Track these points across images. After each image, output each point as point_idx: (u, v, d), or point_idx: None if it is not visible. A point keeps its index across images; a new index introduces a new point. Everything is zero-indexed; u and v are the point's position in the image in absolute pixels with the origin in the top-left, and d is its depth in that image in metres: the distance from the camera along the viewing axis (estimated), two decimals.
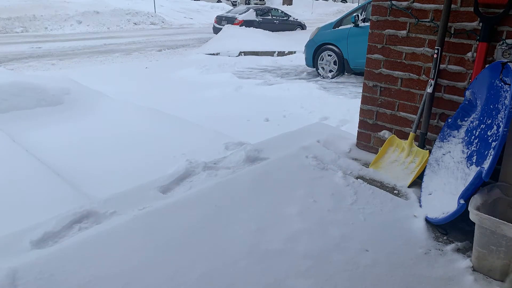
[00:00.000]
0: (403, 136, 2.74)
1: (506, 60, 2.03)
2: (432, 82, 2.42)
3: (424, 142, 2.57)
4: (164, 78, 8.04)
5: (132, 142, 3.69)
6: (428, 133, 2.57)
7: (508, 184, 1.92)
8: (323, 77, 8.44)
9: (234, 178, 2.49)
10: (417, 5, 2.48)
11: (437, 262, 1.80)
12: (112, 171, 3.11)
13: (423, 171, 2.42)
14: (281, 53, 11.49)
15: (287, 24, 16.96)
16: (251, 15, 15.70)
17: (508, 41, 2.15)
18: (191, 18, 22.97)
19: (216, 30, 14.86)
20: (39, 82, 4.91)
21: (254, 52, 11.33)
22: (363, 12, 7.63)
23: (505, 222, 1.59)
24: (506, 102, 1.80)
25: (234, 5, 28.34)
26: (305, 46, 8.76)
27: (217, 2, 30.21)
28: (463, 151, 2.17)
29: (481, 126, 2.05)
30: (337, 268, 1.73)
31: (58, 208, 2.36)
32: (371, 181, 2.51)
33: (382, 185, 2.47)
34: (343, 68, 8.27)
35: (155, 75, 8.38)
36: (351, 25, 7.76)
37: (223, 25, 14.72)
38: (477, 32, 2.27)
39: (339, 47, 8.11)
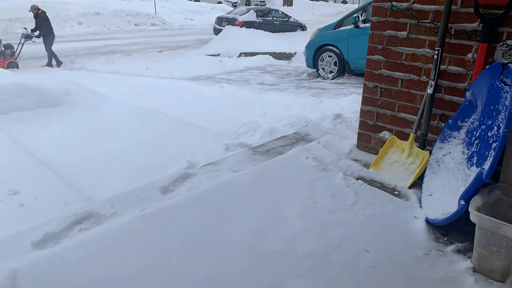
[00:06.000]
0: (404, 137, 2.74)
1: (506, 61, 2.03)
2: (433, 83, 2.42)
3: (425, 143, 2.57)
4: (164, 78, 8.05)
5: (133, 143, 3.69)
6: (429, 134, 2.57)
7: (508, 185, 1.92)
8: (324, 78, 8.45)
9: (234, 178, 2.49)
10: (417, 6, 2.49)
11: (438, 263, 1.80)
12: (112, 171, 3.11)
13: (424, 172, 2.42)
14: (281, 54, 11.48)
15: (288, 25, 16.95)
16: (251, 16, 15.69)
17: (509, 42, 2.15)
18: (192, 19, 22.96)
19: (217, 31, 14.85)
20: (40, 83, 4.92)
21: (254, 53, 11.31)
22: (364, 13, 7.63)
23: (505, 223, 1.59)
24: (507, 103, 1.80)
25: (234, 6, 28.34)
26: (306, 47, 8.76)
27: (218, 3, 30.21)
28: (463, 152, 2.17)
29: (482, 127, 2.05)
30: (338, 269, 1.73)
31: (59, 209, 2.37)
32: (372, 182, 2.51)
33: (382, 186, 2.47)
34: (343, 69, 8.27)
35: (155, 75, 8.39)
36: (352, 26, 7.76)
37: (224, 26, 14.71)
38: (477, 33, 2.28)
39: (339, 48, 8.11)
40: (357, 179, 2.53)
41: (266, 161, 2.76)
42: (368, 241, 1.93)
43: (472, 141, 2.11)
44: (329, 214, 2.14)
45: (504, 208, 1.88)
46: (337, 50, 8.15)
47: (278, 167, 2.65)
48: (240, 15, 15.79)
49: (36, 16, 9.24)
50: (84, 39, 14.38)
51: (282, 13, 17.51)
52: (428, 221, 2.07)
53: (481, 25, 2.23)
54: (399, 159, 2.65)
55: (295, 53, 11.36)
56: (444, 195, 2.11)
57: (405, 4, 2.54)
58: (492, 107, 2.01)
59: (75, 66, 9.36)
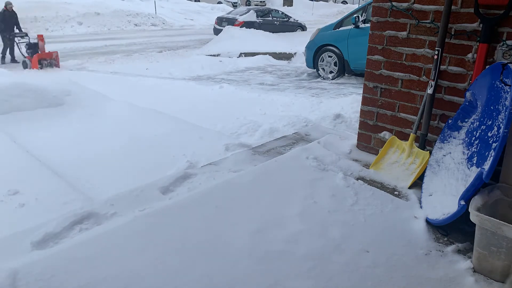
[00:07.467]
0: (404, 137, 2.74)
1: (506, 61, 2.03)
2: (433, 83, 2.42)
3: (425, 143, 2.57)
4: (164, 78, 8.05)
5: (133, 143, 3.69)
6: (429, 134, 2.57)
7: (508, 185, 1.92)
8: (324, 78, 8.45)
9: (234, 179, 2.49)
10: (417, 6, 2.49)
11: (438, 263, 1.80)
12: (112, 171, 3.11)
13: (424, 172, 2.42)
14: (281, 54, 11.48)
15: (288, 25, 16.95)
16: (251, 16, 15.70)
17: (509, 42, 2.15)
18: (192, 20, 22.97)
19: (217, 31, 14.86)
20: (40, 83, 4.92)
21: (254, 53, 11.31)
22: (364, 13, 7.63)
23: (505, 223, 1.59)
24: (507, 103, 1.80)
25: (234, 6, 28.35)
26: (306, 47, 8.77)
27: (218, 3, 30.21)
28: (463, 152, 2.17)
29: (482, 127, 2.05)
30: (338, 269, 1.73)
31: (59, 209, 2.37)
32: (372, 182, 2.51)
33: (382, 186, 2.47)
34: (343, 69, 8.27)
35: (155, 75, 8.39)
36: (352, 26, 7.77)
37: (224, 26, 14.71)
38: (477, 33, 2.28)
39: (339, 48, 8.12)
40: (357, 179, 2.53)
41: (266, 161, 2.76)
42: (368, 241, 1.93)
43: (472, 141, 2.11)
44: (329, 214, 2.14)
45: (504, 208, 1.88)
46: (337, 50, 8.16)
47: (278, 167, 2.65)
48: (240, 15, 15.79)
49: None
50: (84, 39, 14.37)
51: (282, 13, 17.50)
52: (428, 221, 2.07)
53: (481, 25, 2.23)
54: (399, 159, 2.65)
55: (295, 53, 11.37)
56: (444, 195, 2.11)
57: (405, 4, 2.54)
58: (492, 107, 2.01)
59: (75, 66, 9.36)
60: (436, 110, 2.55)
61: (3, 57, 9.72)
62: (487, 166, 1.77)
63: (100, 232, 1.93)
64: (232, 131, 4.30)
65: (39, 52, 9.01)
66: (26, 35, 9.44)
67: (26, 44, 9.18)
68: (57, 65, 9.17)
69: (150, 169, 3.06)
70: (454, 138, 2.33)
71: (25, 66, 8.98)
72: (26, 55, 9.07)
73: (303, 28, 17.63)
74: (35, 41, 9.16)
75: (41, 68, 8.82)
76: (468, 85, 2.39)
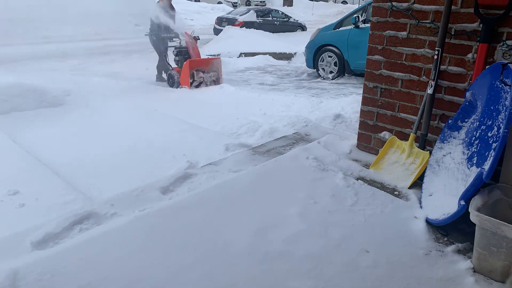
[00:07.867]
0: (404, 137, 2.74)
1: (506, 61, 2.03)
2: (433, 83, 2.42)
3: (425, 143, 2.57)
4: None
5: (133, 143, 3.69)
6: (429, 134, 2.57)
7: (508, 185, 1.92)
8: (324, 78, 8.45)
9: (234, 179, 2.48)
10: (417, 6, 2.49)
11: (438, 263, 1.80)
12: (112, 172, 3.11)
13: (424, 172, 2.42)
14: (281, 54, 11.48)
15: (288, 25, 16.96)
16: (251, 17, 15.71)
17: (509, 42, 2.15)
18: (192, 20, 22.94)
19: (217, 31, 14.86)
20: (40, 84, 4.91)
21: (254, 53, 11.31)
22: (364, 14, 7.63)
23: (505, 223, 1.59)
24: (507, 103, 1.80)
25: (234, 6, 28.35)
26: (306, 47, 8.77)
27: (218, 3, 30.22)
28: (463, 152, 2.17)
29: (482, 127, 2.05)
30: (338, 269, 1.73)
31: (59, 209, 2.37)
32: (372, 182, 2.51)
33: (382, 186, 2.47)
34: (343, 69, 8.27)
35: (155, 75, 8.38)
36: (352, 27, 7.77)
37: (224, 26, 14.72)
38: (477, 33, 2.28)
39: (339, 48, 8.12)
40: (357, 179, 2.53)
41: (266, 161, 2.76)
42: (368, 241, 1.93)
43: (472, 141, 2.11)
44: (329, 214, 2.14)
45: (504, 208, 1.88)
46: (337, 50, 8.15)
47: (278, 167, 2.65)
48: (240, 15, 15.80)
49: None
50: (84, 39, 14.37)
51: (282, 13, 17.51)
52: (428, 221, 2.07)
53: (481, 25, 2.23)
54: (399, 160, 2.65)
55: (295, 53, 11.36)
56: (444, 195, 2.11)
57: (405, 4, 2.54)
58: (492, 107, 2.01)
59: (75, 66, 9.36)
60: (436, 110, 2.55)
61: (160, 72, 6.89)
62: (487, 166, 1.77)
63: (100, 232, 1.93)
64: (232, 131, 4.30)
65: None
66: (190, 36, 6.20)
67: (175, 49, 6.38)
68: (219, 81, 6.17)
69: (150, 169, 3.05)
70: (454, 138, 2.33)
71: (172, 82, 6.14)
72: (174, 65, 6.34)
73: (303, 28, 17.64)
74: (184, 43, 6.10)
75: (196, 87, 5.86)
76: (468, 85, 2.39)
